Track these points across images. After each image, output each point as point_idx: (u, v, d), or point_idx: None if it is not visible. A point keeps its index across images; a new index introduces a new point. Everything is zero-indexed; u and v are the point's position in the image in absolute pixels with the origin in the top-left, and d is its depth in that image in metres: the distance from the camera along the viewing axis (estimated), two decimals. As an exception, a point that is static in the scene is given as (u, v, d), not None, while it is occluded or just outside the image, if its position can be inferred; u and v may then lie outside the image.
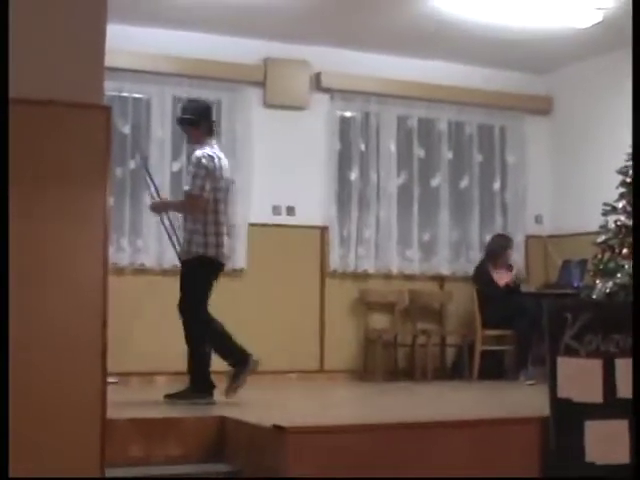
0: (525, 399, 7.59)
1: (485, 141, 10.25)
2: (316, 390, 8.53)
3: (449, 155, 10.01)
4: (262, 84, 9.24)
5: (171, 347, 8.62)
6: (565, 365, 5.67)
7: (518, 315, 8.93)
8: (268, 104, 9.27)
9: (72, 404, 4.59)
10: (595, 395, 5.72)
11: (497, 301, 9.13)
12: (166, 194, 8.77)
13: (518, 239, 9.94)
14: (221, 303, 8.88)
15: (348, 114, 9.74)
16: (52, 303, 4.63)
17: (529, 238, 10.19)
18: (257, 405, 7.08)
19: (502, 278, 9.35)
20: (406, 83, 9.69)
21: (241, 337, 8.86)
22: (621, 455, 5.73)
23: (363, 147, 9.67)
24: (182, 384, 7.04)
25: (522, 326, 8.84)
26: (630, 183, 7.74)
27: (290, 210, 9.30)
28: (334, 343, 9.29)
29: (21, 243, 4.57)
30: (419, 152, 9.91)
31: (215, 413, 5.93)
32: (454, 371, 9.47)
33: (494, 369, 9.18)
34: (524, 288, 9.53)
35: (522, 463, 5.59)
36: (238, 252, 8.96)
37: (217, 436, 5.66)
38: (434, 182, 9.93)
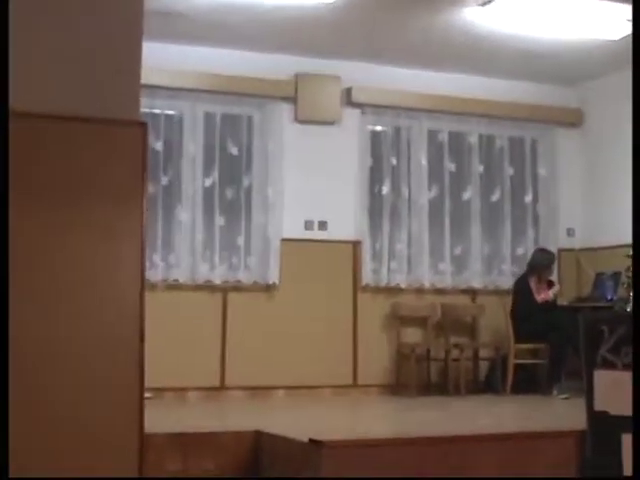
0: (560, 413, 7.56)
1: (516, 154, 10.23)
2: (350, 404, 8.53)
3: (480, 168, 10.00)
4: (293, 99, 9.27)
5: (203, 362, 8.68)
6: (602, 378, 5.64)
7: (551, 329, 8.89)
8: (299, 119, 9.30)
9: (110, 417, 4.62)
10: (627, 408, 5.68)
11: (532, 316, 9.09)
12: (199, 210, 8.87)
13: (551, 252, 9.88)
14: (254, 318, 8.96)
15: (379, 128, 9.76)
16: (90, 317, 4.66)
17: (561, 251, 10.14)
18: (292, 419, 7.10)
19: (541, 294, 9.31)
20: (436, 97, 9.70)
21: (274, 352, 8.92)
22: (659, 469, 5.70)
23: (394, 161, 9.68)
24: (214, 399, 7.06)
25: (556, 339, 8.80)
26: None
27: (322, 225, 9.31)
28: (367, 357, 9.28)
29: (59, 258, 4.61)
30: (450, 166, 9.91)
31: (251, 427, 5.93)
32: (487, 385, 9.43)
33: (527, 383, 9.13)
34: (557, 302, 9.50)
35: (559, 477, 5.57)
36: (271, 267, 8.99)
37: (253, 450, 5.67)
38: (465, 195, 9.92)
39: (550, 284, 9.46)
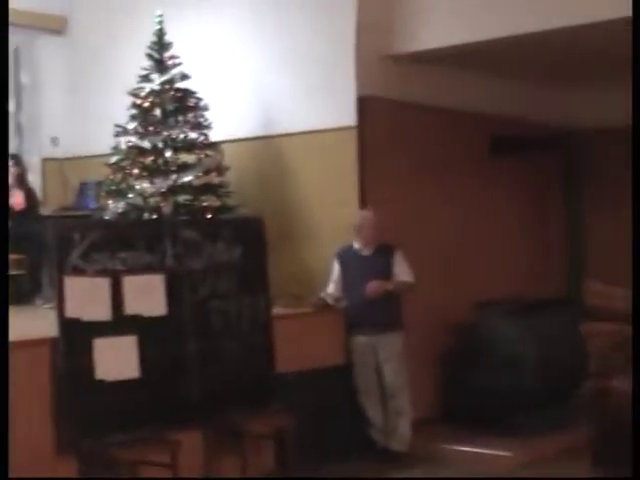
0: (39, 322, 7.51)
1: (-3, 61, 9.89)
2: None
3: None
4: None
5: None
6: (72, 285, 5.68)
7: (29, 238, 8.75)
8: None
9: None
10: (103, 313, 5.81)
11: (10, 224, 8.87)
12: None
13: (34, 161, 9.70)
14: None
15: None
16: None
17: (45, 160, 10.02)
18: None
19: (17, 203, 9.09)
20: None
21: None
22: (130, 370, 5.89)
23: None
24: None
25: (32, 249, 8.68)
26: (140, 105, 7.86)
27: None
28: None
29: None
30: None
31: None
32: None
33: (13, 294, 8.94)
34: (41, 212, 9.37)
35: (34, 386, 5.56)
36: None
37: None
38: None
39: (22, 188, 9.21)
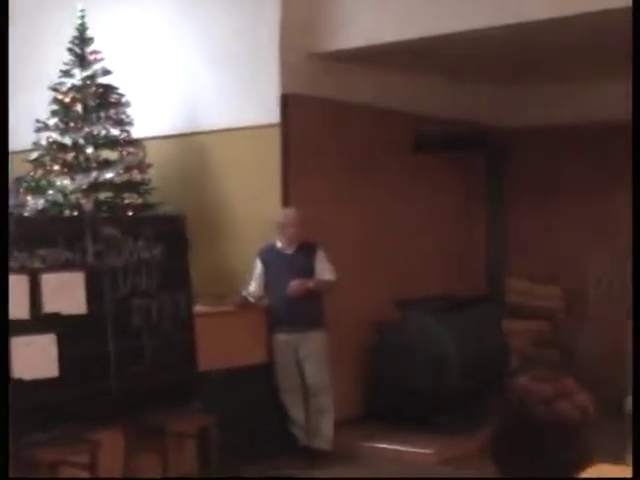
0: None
1: None
2: None
3: None
4: None
5: None
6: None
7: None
8: None
9: None
10: (21, 311, 5.72)
11: None
12: None
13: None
14: None
15: None
16: None
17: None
18: None
19: None
20: None
21: None
22: (49, 369, 5.80)
23: None
24: None
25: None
26: (61, 100, 7.75)
27: None
28: None
29: None
30: None
31: None
32: None
33: None
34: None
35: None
36: None
37: None
38: None
39: None
